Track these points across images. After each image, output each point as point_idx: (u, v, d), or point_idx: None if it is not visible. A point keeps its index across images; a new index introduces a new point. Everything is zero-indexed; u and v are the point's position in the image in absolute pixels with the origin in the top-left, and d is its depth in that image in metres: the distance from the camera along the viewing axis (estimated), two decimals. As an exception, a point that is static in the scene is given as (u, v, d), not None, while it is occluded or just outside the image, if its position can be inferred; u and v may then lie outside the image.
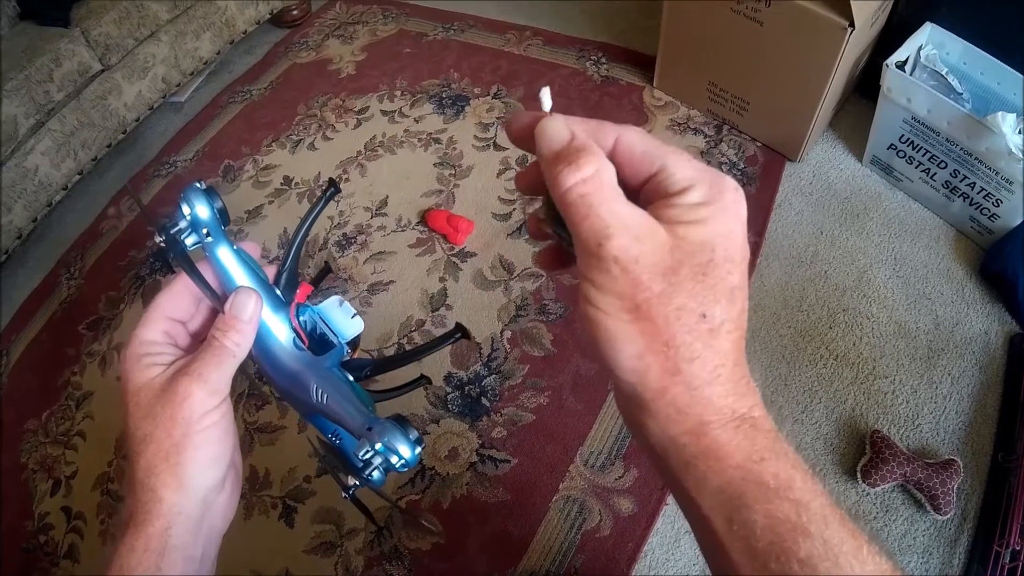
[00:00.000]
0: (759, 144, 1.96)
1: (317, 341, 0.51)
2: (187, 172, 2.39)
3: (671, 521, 1.42)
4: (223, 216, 0.48)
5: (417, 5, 2.74)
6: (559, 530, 1.43)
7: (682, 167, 0.34)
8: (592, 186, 0.32)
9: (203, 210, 0.47)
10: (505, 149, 2.11)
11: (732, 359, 0.34)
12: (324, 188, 0.54)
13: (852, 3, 1.51)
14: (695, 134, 2.02)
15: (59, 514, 1.79)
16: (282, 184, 2.23)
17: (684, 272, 0.32)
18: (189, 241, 0.47)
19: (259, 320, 0.47)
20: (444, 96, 2.32)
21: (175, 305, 0.47)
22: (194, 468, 0.42)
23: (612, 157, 0.35)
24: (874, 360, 1.56)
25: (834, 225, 1.79)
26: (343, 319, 0.53)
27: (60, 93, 2.24)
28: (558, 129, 0.35)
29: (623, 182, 0.34)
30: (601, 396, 1.59)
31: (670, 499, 1.42)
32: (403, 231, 1.99)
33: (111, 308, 2.11)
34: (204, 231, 0.47)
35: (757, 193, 1.86)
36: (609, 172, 0.33)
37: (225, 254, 0.48)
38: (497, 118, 2.20)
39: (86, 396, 1.97)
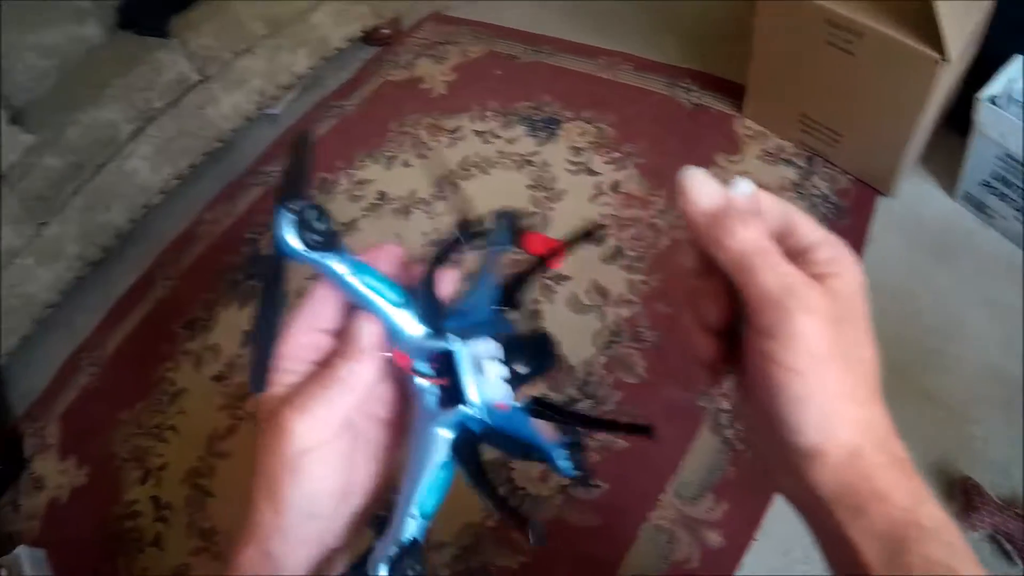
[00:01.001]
0: (851, 177, 1.93)
1: (452, 386, 0.41)
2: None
3: (759, 556, 1.40)
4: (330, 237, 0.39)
5: (506, 27, 2.77)
6: (647, 558, 1.43)
7: (807, 224, 0.36)
8: (767, 238, 0.34)
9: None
10: (598, 174, 2.13)
11: (881, 400, 0.35)
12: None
13: (944, 36, 1.48)
14: (787, 165, 2.00)
15: (147, 503, 1.86)
16: (377, 199, 2.28)
17: (848, 323, 0.33)
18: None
19: (381, 350, 0.40)
20: (536, 119, 2.35)
21: (317, 313, 0.41)
22: (293, 501, 0.39)
23: None
24: (966, 404, 1.52)
25: (926, 262, 1.75)
26: (482, 377, 0.40)
27: (160, 101, 2.34)
28: (711, 186, 0.36)
29: None
30: (694, 427, 1.57)
31: (759, 534, 1.41)
32: (496, 250, 2.01)
33: (206, 309, 2.19)
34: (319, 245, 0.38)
35: (849, 227, 1.83)
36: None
37: (345, 268, 0.39)
38: (589, 143, 2.22)
39: (180, 392, 2.04)
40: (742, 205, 0.35)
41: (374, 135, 2.49)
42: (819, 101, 1.89)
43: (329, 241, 0.38)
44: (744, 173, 1.97)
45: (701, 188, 0.35)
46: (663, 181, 2.05)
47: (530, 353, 0.42)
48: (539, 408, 0.43)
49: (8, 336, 2.17)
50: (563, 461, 0.46)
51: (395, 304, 0.40)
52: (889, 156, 1.79)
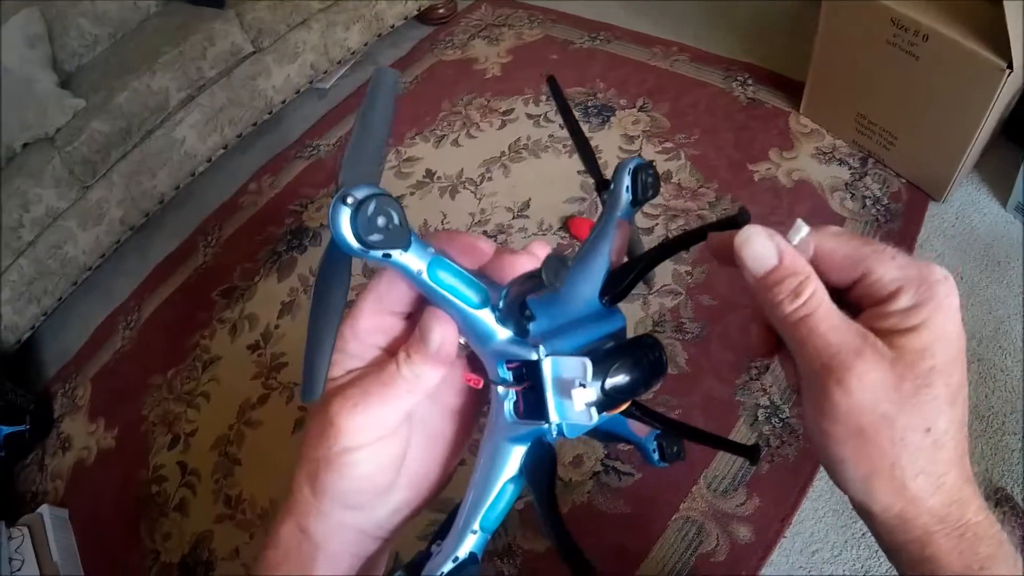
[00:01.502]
0: (904, 180, 1.89)
1: (533, 397, 0.35)
2: (329, 157, 2.45)
3: (786, 554, 1.37)
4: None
5: (563, 12, 2.74)
6: (675, 550, 1.41)
7: (888, 269, 0.33)
8: (812, 305, 0.33)
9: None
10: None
11: (956, 466, 0.33)
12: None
13: (1012, 45, 1.44)
14: (840, 165, 1.96)
15: (174, 468, 1.85)
16: (424, 177, 2.26)
17: (907, 387, 0.31)
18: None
19: (453, 353, 0.36)
20: (590, 105, 2.31)
21: (388, 295, 0.37)
22: (332, 492, 0.36)
23: (812, 263, 0.34)
24: (1004, 415, 1.47)
25: (974, 271, 1.70)
26: (568, 400, 0.33)
27: (212, 70, 2.33)
28: (766, 249, 0.34)
29: (827, 286, 0.34)
30: (731, 420, 1.54)
31: (788, 532, 1.38)
32: (544, 235, 1.98)
33: (245, 279, 2.17)
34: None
35: (899, 231, 1.79)
36: (823, 290, 0.33)
37: (418, 264, 0.33)
38: (642, 131, 2.17)
39: (214, 360, 2.03)
40: (797, 263, 0.34)
41: (426, 114, 2.47)
42: (877, 102, 1.85)
43: (394, 237, 0.32)
44: (797, 170, 1.96)
45: (756, 254, 0.34)
46: (715, 173, 2.01)
47: (632, 362, 0.35)
48: (637, 413, 0.41)
49: (45, 297, 2.18)
50: (653, 453, 0.47)
51: (474, 306, 0.35)
52: (944, 162, 1.76)
